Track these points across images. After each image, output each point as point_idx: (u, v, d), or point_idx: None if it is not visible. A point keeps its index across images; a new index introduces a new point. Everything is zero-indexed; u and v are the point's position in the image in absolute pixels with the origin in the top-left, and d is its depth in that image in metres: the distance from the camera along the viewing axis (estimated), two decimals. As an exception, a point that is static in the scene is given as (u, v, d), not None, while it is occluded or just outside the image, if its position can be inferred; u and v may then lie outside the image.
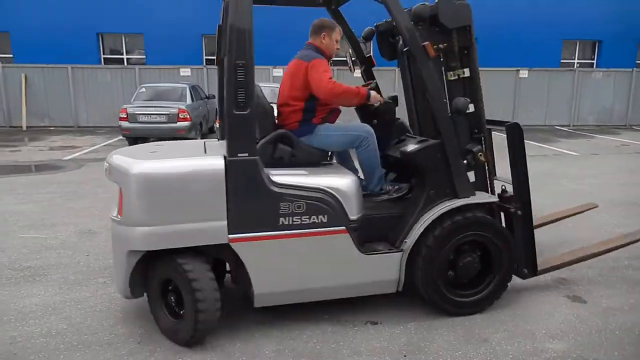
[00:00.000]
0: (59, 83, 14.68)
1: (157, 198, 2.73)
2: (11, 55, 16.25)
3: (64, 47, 15.58)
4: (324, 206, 2.88)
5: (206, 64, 16.29)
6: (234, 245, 2.81)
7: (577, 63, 18.08)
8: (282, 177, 2.91)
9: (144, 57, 16.83)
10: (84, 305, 3.38)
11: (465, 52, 3.19)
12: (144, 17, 16.02)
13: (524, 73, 15.67)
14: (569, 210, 4.75)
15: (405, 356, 2.77)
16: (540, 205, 6.01)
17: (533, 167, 8.48)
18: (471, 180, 3.21)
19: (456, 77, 3.21)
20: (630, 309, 3.35)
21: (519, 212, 3.29)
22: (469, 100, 3.15)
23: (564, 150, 10.74)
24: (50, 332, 3.02)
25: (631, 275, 3.92)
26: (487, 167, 3.46)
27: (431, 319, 3.17)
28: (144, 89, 11.71)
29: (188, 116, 10.50)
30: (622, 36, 17.36)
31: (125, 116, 10.47)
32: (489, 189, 3.47)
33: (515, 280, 3.80)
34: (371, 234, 3.14)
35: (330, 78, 3.10)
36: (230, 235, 2.79)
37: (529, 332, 3.03)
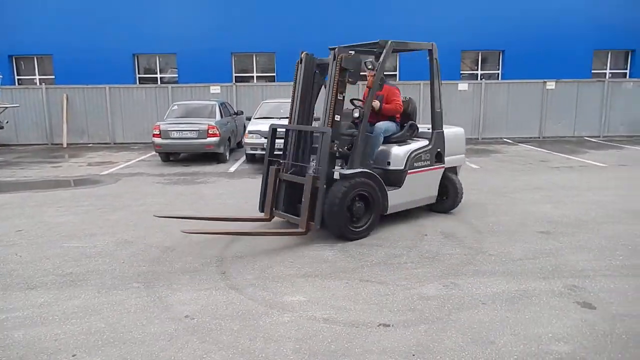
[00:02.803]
0: (97, 102, 15.47)
1: None
2: (53, 77, 17.27)
3: (102, 68, 16.49)
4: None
5: (235, 81, 16.87)
6: None
7: (610, 73, 17.83)
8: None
9: (177, 75, 17.56)
10: (119, 307, 3.68)
11: None
12: (176, 37, 16.76)
13: (550, 85, 15.56)
14: None
15: (414, 355, 2.94)
16: (560, 216, 6.06)
17: (556, 179, 8.59)
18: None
19: None
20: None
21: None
22: None
23: (591, 162, 10.61)
24: (90, 330, 3.32)
25: (645, 283, 3.97)
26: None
27: (442, 323, 3.33)
28: (176, 107, 12.22)
29: (217, 132, 10.93)
30: (654, 45, 17.10)
31: (158, 133, 10.97)
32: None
33: (528, 286, 3.93)
34: None
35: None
36: None
37: (535, 335, 3.15)
